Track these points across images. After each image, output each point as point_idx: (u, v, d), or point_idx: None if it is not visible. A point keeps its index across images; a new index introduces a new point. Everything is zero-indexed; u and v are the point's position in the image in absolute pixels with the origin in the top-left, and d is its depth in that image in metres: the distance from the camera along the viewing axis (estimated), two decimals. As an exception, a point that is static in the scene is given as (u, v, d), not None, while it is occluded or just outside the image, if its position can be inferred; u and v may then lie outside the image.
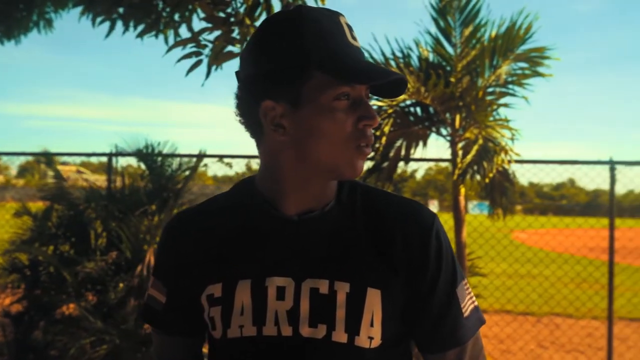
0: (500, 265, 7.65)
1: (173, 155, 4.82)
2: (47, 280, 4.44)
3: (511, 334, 6.91)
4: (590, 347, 6.59)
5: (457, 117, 4.68)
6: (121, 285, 4.16)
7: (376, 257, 1.05)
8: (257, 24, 3.18)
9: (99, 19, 3.75)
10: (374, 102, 4.47)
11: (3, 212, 6.63)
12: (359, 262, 1.05)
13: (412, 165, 5.13)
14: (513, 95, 4.80)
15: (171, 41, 3.66)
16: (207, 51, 3.16)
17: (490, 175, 4.43)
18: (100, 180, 5.53)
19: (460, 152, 4.66)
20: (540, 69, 4.78)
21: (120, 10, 3.65)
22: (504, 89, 4.81)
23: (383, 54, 4.81)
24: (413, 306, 1.07)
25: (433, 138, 5.00)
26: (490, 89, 4.79)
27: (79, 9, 3.92)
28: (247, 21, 3.13)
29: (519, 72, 4.87)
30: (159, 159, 4.71)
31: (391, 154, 4.88)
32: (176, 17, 3.57)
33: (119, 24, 3.74)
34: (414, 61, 4.92)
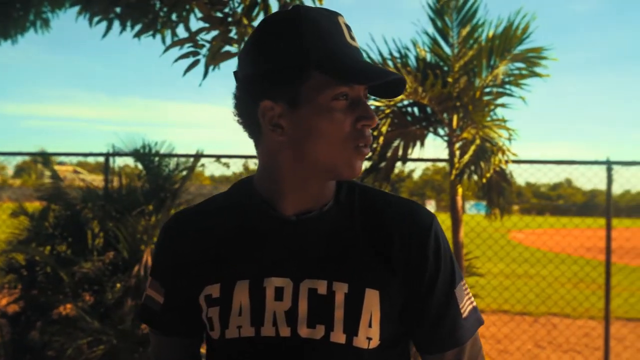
0: (498, 265, 7.65)
1: (170, 155, 4.81)
2: (44, 281, 4.43)
3: (508, 334, 6.91)
4: (588, 347, 6.60)
5: (455, 117, 4.68)
6: (118, 285, 4.16)
7: (374, 258, 1.05)
8: (255, 23, 3.18)
9: (96, 19, 3.74)
10: (372, 102, 4.47)
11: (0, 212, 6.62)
12: (357, 262, 1.05)
13: (410, 165, 5.14)
14: (510, 95, 4.81)
15: (168, 41, 3.66)
16: (204, 51, 3.16)
17: (488, 175, 4.43)
18: (97, 180, 5.52)
19: (457, 152, 4.66)
20: (537, 69, 4.78)
21: (118, 10, 3.65)
22: (501, 89, 4.82)
23: (380, 54, 4.81)
24: (411, 307, 1.07)
25: (430, 138, 5.01)
26: (487, 89, 4.80)
27: (76, 8, 3.91)
28: (245, 21, 3.13)
29: (516, 72, 4.87)
30: (156, 159, 4.70)
31: (389, 154, 4.88)
32: (173, 17, 3.57)
33: (116, 24, 3.74)
34: (412, 61, 4.92)
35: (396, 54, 4.87)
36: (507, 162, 4.60)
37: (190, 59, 3.16)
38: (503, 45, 4.69)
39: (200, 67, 3.17)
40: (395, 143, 4.89)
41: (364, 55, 1.07)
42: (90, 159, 5.87)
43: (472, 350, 1.10)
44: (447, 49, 4.93)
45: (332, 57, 0.98)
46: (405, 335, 1.11)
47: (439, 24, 4.93)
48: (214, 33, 3.12)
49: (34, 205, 5.00)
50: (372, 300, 1.03)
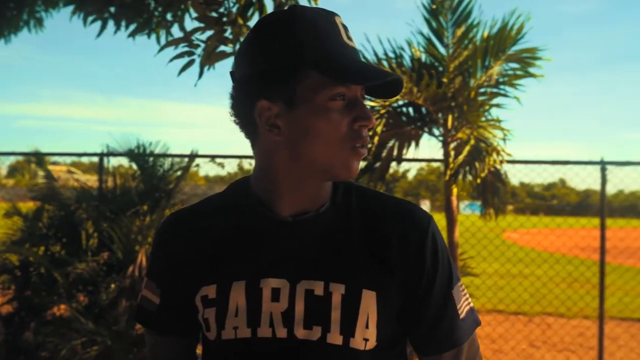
0: (492, 265, 7.67)
1: (165, 156, 4.80)
2: (37, 281, 4.42)
3: (503, 334, 6.92)
4: (582, 347, 6.62)
5: (450, 118, 4.69)
6: (113, 286, 4.14)
7: (371, 259, 1.05)
8: (250, 23, 3.17)
9: (90, 19, 3.73)
10: (366, 102, 4.45)
11: (-7, 213, 6.58)
12: (354, 263, 1.04)
13: (404, 166, 5.13)
14: (505, 95, 4.81)
15: (163, 41, 3.65)
16: (199, 51, 3.15)
17: (482, 175, 4.43)
18: (91, 180, 5.50)
19: (452, 153, 4.66)
20: (531, 70, 4.79)
21: (112, 9, 3.64)
22: (495, 90, 4.82)
23: (376, 54, 4.81)
24: (409, 308, 1.06)
25: (425, 138, 5.01)
26: (482, 90, 4.80)
27: (70, 8, 3.89)
28: (240, 21, 3.12)
29: (511, 72, 4.88)
30: (151, 159, 4.69)
31: (383, 154, 4.88)
32: (168, 16, 3.56)
33: (111, 24, 3.72)
34: (407, 61, 4.92)
35: (391, 54, 4.87)
36: (501, 162, 4.61)
37: (185, 59, 3.15)
38: (498, 45, 4.69)
39: (196, 67, 3.16)
40: (390, 143, 4.89)
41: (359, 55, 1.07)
42: (85, 159, 5.85)
43: (469, 351, 1.10)
44: (442, 49, 4.93)
45: (329, 57, 0.98)
46: (403, 337, 1.11)
47: (434, 24, 4.94)
48: (209, 33, 3.11)
49: (27, 206, 4.98)
50: (369, 302, 1.02)
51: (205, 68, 3.16)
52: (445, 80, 4.71)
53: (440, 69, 4.87)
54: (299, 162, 1.02)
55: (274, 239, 1.06)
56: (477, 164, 4.40)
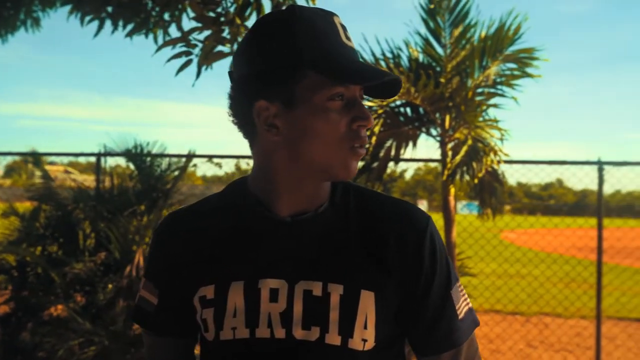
0: (490, 265, 7.67)
1: (162, 155, 4.80)
2: (35, 281, 4.41)
3: (500, 334, 6.93)
4: (579, 347, 6.62)
5: (447, 118, 4.69)
6: (110, 286, 4.14)
7: (369, 259, 1.05)
8: (248, 23, 3.18)
9: (87, 18, 3.72)
10: (364, 102, 4.45)
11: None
12: (352, 264, 1.04)
13: (402, 166, 5.14)
14: (502, 95, 4.82)
15: (161, 41, 3.64)
16: (197, 51, 3.15)
17: (480, 175, 4.44)
18: (88, 180, 5.49)
19: (449, 153, 4.67)
20: (529, 70, 4.80)
21: (109, 9, 3.63)
22: (493, 90, 4.83)
23: (373, 55, 4.81)
24: (407, 308, 1.06)
25: (423, 138, 5.01)
26: (479, 90, 4.80)
27: (67, 7, 3.89)
28: (238, 21, 3.12)
29: (508, 72, 4.88)
30: (148, 159, 4.69)
31: (381, 154, 4.88)
32: (166, 16, 3.56)
33: (108, 23, 3.72)
34: (404, 62, 4.92)
35: (389, 55, 4.88)
36: (499, 162, 4.61)
37: (183, 59, 3.15)
38: (495, 45, 4.70)
39: (193, 67, 3.16)
40: (388, 143, 4.89)
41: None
42: (82, 159, 5.85)
43: (468, 352, 1.10)
44: (439, 50, 4.93)
45: (327, 57, 0.97)
46: (401, 337, 1.11)
47: (432, 24, 4.94)
48: (207, 33, 3.12)
49: (24, 206, 4.98)
50: (367, 302, 1.02)
51: (203, 68, 3.16)
52: (442, 80, 4.71)
53: (438, 69, 4.88)
54: (298, 162, 1.02)
55: (273, 239, 1.06)
56: (474, 164, 4.41)
